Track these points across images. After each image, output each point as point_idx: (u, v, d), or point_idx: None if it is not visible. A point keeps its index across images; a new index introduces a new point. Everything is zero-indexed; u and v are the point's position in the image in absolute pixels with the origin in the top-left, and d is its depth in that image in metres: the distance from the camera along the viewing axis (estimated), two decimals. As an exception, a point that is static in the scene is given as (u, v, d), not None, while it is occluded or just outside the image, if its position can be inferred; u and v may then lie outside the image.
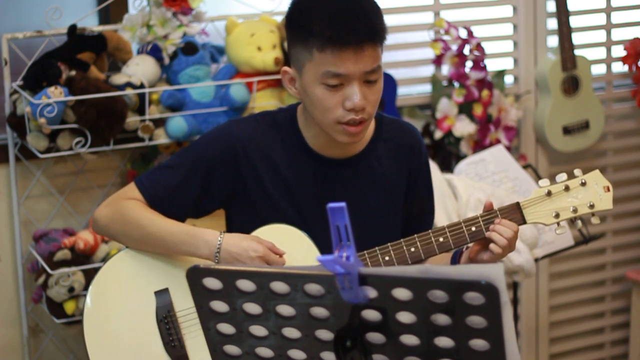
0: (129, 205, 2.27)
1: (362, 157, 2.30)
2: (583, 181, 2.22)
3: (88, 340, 2.24)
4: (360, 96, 2.12)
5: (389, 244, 2.20)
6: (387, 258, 2.20)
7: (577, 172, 2.24)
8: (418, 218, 2.37)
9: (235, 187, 2.28)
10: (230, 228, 2.36)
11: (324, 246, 2.23)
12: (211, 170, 2.27)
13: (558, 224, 2.22)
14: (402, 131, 2.36)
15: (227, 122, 2.34)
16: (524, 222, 2.21)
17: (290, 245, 2.24)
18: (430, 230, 2.21)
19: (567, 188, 2.22)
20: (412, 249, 2.20)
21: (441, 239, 2.20)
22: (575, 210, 2.21)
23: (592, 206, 2.21)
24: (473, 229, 2.20)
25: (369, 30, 2.10)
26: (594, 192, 2.21)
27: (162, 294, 2.26)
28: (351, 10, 2.11)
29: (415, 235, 2.20)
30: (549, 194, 2.21)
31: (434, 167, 3.23)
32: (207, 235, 2.21)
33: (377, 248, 2.20)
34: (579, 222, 2.25)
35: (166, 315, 2.25)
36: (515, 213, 2.21)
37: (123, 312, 2.26)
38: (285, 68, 2.23)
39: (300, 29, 2.14)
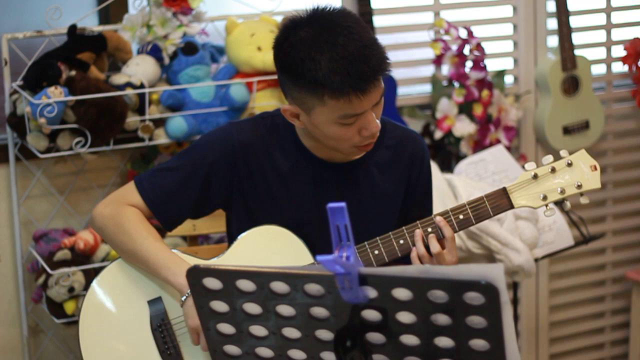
0: (126, 214, 2.27)
1: (362, 163, 2.30)
2: (569, 162, 2.19)
3: (84, 350, 2.24)
4: (375, 122, 2.13)
5: (377, 237, 2.20)
6: (376, 252, 2.20)
7: (563, 152, 2.22)
8: None
9: (234, 190, 2.28)
10: (230, 229, 2.37)
11: (321, 248, 2.23)
12: (211, 173, 2.27)
13: (546, 206, 2.21)
14: (406, 140, 2.35)
15: (227, 125, 2.33)
16: (511, 206, 2.20)
17: (282, 247, 2.24)
18: (418, 222, 2.20)
19: (553, 170, 2.19)
20: (401, 242, 2.20)
21: (429, 229, 2.19)
22: (562, 192, 2.19)
23: (579, 186, 2.19)
24: (461, 217, 2.20)
25: (379, 68, 2.07)
26: (580, 172, 2.19)
27: (156, 303, 2.26)
28: (356, 54, 2.05)
29: (404, 227, 2.20)
30: (535, 177, 2.20)
31: (434, 167, 3.23)
32: None
33: (366, 242, 2.20)
34: (568, 204, 2.22)
35: (160, 324, 2.25)
36: (502, 198, 2.20)
37: (118, 322, 2.26)
38: (285, 107, 2.18)
39: (303, 78, 2.08)
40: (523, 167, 3.45)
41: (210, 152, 2.27)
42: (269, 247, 2.25)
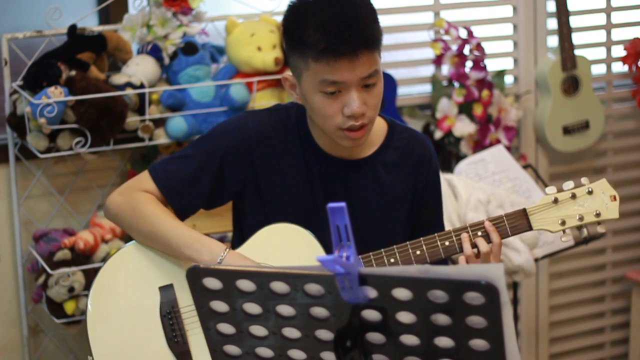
0: (141, 198, 2.26)
1: (369, 161, 2.31)
2: (590, 189, 2.22)
3: (91, 334, 2.23)
4: (358, 102, 2.12)
5: (394, 246, 2.20)
6: (392, 260, 2.20)
7: (584, 180, 2.24)
8: (426, 228, 2.35)
9: (248, 179, 2.28)
10: (238, 222, 2.37)
11: (329, 244, 2.23)
12: (226, 161, 2.27)
13: (564, 231, 2.22)
14: (414, 141, 2.35)
15: (243, 114, 2.34)
16: (530, 228, 2.22)
17: (296, 245, 2.24)
18: (436, 234, 2.21)
19: (573, 196, 2.22)
20: (418, 252, 2.20)
21: (447, 243, 2.20)
22: (581, 219, 2.21)
23: (598, 215, 2.21)
24: (479, 233, 2.20)
25: (363, 38, 2.09)
26: (600, 200, 2.21)
27: (167, 290, 2.26)
28: (344, 18, 2.09)
29: (422, 239, 2.20)
30: (556, 201, 2.21)
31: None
32: (213, 245, 2.20)
33: (382, 250, 2.20)
34: (585, 230, 2.25)
35: (170, 311, 2.25)
36: (522, 219, 2.21)
37: (127, 306, 2.25)
38: (286, 75, 2.23)
39: (295, 39, 2.14)
40: (523, 167, 3.48)
41: (226, 140, 2.27)
42: (285, 246, 2.25)
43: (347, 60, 2.08)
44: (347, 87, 2.12)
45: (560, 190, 2.23)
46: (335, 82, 2.11)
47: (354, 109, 2.12)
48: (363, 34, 2.09)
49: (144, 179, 2.30)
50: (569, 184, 2.23)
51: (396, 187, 2.33)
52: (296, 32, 2.12)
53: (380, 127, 2.32)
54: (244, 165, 2.27)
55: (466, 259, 2.20)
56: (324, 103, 2.14)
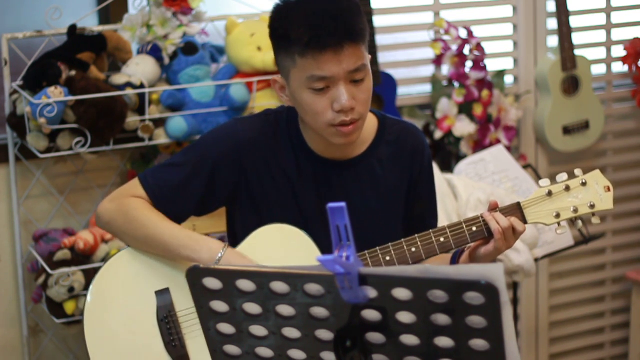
0: (133, 204, 2.27)
1: (363, 159, 2.30)
2: (583, 181, 2.22)
3: (89, 340, 2.24)
4: (347, 97, 2.11)
5: (389, 244, 2.20)
6: (388, 258, 2.19)
7: (577, 172, 2.24)
8: (421, 221, 2.35)
9: (238, 187, 2.28)
10: (232, 227, 2.36)
11: (325, 246, 2.23)
12: (216, 169, 2.27)
13: (559, 224, 2.22)
14: (406, 133, 2.35)
15: (232, 121, 2.33)
16: (524, 222, 2.21)
17: (291, 245, 2.24)
18: (431, 230, 2.20)
19: (567, 188, 2.22)
20: (413, 249, 2.19)
21: (442, 239, 2.19)
22: (576, 210, 2.21)
23: (592, 206, 2.21)
24: (474, 229, 2.20)
25: (347, 30, 2.09)
26: (594, 192, 2.21)
27: (163, 294, 2.26)
28: (327, 12, 2.09)
29: (416, 235, 2.20)
30: (550, 194, 2.21)
31: (434, 167, 3.23)
32: (211, 244, 2.21)
33: (378, 248, 2.20)
34: (580, 222, 2.25)
35: (167, 315, 2.25)
36: (516, 213, 2.21)
37: (124, 311, 2.26)
38: (275, 77, 2.23)
39: (281, 37, 2.14)
40: (523, 167, 3.48)
41: (215, 148, 2.27)
42: (280, 247, 2.25)
43: (333, 53, 2.08)
44: (335, 82, 2.11)
45: (554, 182, 2.23)
46: (323, 77, 2.10)
47: (343, 103, 2.11)
48: (347, 26, 2.09)
49: (134, 186, 2.30)
50: (562, 176, 2.22)
51: (392, 182, 2.32)
52: (280, 30, 2.13)
53: (371, 124, 2.31)
54: (235, 172, 2.27)
55: (503, 232, 2.16)
56: (313, 100, 2.13)
